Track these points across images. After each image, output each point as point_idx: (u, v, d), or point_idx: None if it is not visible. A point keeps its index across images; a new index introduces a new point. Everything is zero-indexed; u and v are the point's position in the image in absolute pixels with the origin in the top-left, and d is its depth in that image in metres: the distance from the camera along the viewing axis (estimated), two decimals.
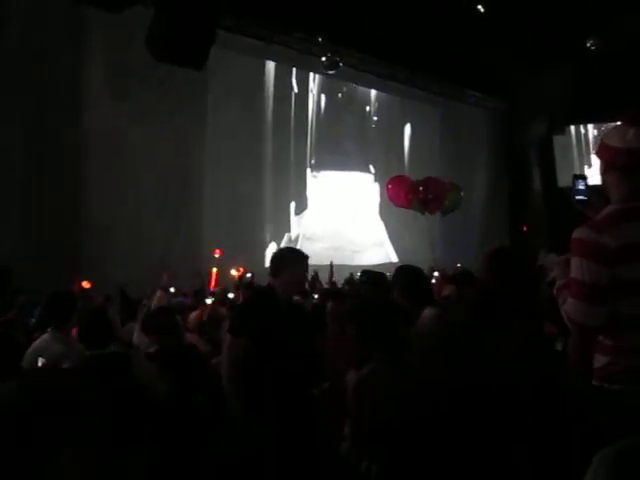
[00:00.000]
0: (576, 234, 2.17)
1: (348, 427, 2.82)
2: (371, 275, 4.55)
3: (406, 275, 3.76)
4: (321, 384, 3.48)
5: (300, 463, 2.71)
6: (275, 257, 3.74)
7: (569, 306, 2.16)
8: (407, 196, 10.43)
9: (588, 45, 13.01)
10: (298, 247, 10.03)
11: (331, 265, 7.63)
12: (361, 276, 4.71)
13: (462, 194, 11.88)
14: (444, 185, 10.96)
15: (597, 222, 2.18)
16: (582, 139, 16.95)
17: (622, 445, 1.21)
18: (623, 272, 2.09)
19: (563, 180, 16.44)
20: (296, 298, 6.31)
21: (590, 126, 16.70)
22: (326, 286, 7.72)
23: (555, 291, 2.32)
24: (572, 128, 16.91)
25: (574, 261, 2.16)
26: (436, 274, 8.68)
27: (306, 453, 3.00)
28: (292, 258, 3.67)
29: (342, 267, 10.37)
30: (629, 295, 2.12)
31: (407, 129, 15.34)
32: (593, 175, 2.55)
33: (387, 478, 2.64)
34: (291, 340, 3.41)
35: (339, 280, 8.94)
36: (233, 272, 7.96)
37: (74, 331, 3.94)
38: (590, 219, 2.25)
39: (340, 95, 14.21)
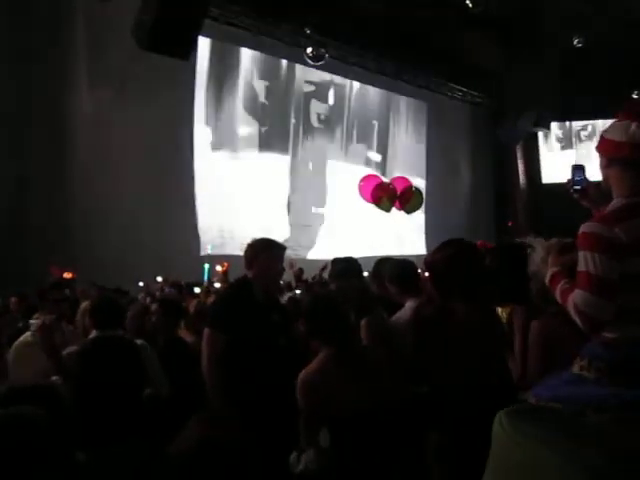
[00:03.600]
0: (585, 228, 2.15)
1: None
2: (338, 264, 4.20)
3: (395, 266, 3.72)
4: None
5: (271, 461, 2.57)
6: (248, 247, 3.50)
7: (579, 298, 2.13)
8: (374, 193, 10.32)
9: (575, 42, 13.07)
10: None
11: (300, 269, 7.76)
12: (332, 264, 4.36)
13: (424, 197, 11.69)
14: (409, 185, 10.92)
15: (606, 216, 2.17)
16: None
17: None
18: (632, 266, 2.10)
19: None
20: (291, 294, 6.19)
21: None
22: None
23: (547, 281, 2.32)
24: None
25: (583, 255, 2.13)
26: (427, 274, 8.60)
27: (281, 451, 2.81)
28: (264, 247, 3.48)
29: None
30: (635, 290, 2.12)
31: (393, 123, 15.30)
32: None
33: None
34: (268, 334, 3.32)
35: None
36: (218, 268, 7.92)
37: None
38: (593, 212, 2.26)
39: (327, 88, 14.17)
